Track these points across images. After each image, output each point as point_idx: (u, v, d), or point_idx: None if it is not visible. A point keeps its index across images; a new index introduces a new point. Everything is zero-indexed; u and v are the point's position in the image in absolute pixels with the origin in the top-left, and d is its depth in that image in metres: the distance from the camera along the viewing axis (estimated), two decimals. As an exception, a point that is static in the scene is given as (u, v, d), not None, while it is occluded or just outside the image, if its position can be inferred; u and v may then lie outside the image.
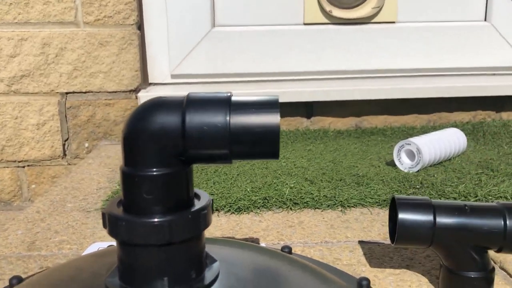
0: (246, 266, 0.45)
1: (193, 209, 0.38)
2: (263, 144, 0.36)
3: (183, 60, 1.34)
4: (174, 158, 0.37)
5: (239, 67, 1.35)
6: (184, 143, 0.36)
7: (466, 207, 0.52)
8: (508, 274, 0.61)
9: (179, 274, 0.38)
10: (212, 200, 0.41)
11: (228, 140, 0.35)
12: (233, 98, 0.37)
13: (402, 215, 0.52)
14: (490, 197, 0.81)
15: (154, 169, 0.36)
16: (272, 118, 0.36)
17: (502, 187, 0.83)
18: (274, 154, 0.36)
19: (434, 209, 0.52)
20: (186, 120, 0.35)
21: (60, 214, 0.83)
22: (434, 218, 0.52)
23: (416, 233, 0.52)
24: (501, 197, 0.81)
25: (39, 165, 1.32)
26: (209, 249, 0.42)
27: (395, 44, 1.37)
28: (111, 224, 0.37)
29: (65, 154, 1.32)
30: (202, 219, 0.38)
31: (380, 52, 1.37)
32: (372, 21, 1.36)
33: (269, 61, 1.36)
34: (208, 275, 0.40)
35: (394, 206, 0.55)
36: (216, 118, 0.36)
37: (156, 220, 0.36)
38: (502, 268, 0.62)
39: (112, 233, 0.37)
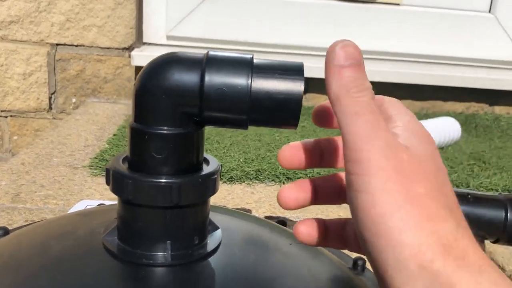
0: (247, 235, 0.44)
1: (203, 173, 0.36)
2: (284, 112, 0.34)
3: (181, 21, 1.30)
4: (188, 118, 0.35)
5: (238, 34, 1.31)
6: (200, 103, 0.34)
7: (469, 196, 0.52)
8: (498, 265, 0.61)
9: (182, 239, 0.36)
10: (221, 165, 0.39)
11: (247, 104, 0.34)
12: (256, 60, 0.35)
13: (404, 198, 0.51)
14: (481, 188, 0.81)
15: (166, 128, 0.34)
16: (296, 86, 0.34)
17: (494, 180, 0.83)
18: (294, 124, 0.35)
19: (437, 195, 0.52)
20: (205, 79, 0.33)
21: (46, 168, 0.80)
22: (436, 204, 0.51)
23: (416, 218, 0.51)
24: (492, 189, 0.81)
25: (23, 117, 1.28)
26: (210, 216, 0.41)
27: (397, 27, 1.35)
28: (116, 181, 0.35)
29: (50, 108, 1.28)
30: (211, 184, 0.36)
31: (381, 34, 1.35)
32: (377, 1, 1.34)
33: (269, 32, 1.33)
34: (211, 242, 0.38)
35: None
36: (237, 80, 0.34)
37: (165, 181, 0.34)
38: (492, 259, 0.63)
39: (117, 191, 0.35)
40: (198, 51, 0.36)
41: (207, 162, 0.39)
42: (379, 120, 0.28)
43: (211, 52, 0.35)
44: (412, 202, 0.25)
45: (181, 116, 0.34)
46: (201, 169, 0.37)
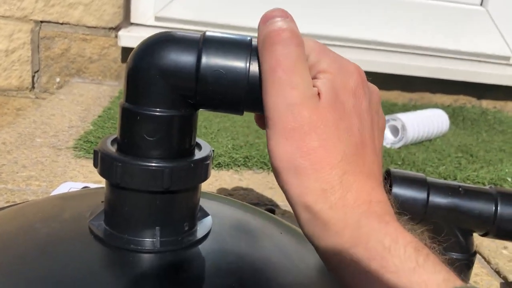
0: (237, 223, 0.43)
1: (195, 158, 0.35)
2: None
3: (171, 2, 1.27)
4: (183, 100, 0.33)
5: (229, 18, 1.29)
6: (196, 85, 0.32)
7: (460, 189, 0.51)
8: (483, 257, 0.62)
9: (172, 225, 0.35)
10: (213, 150, 0.38)
11: (245, 87, 0.32)
12: (254, 43, 0.34)
13: (396, 189, 0.51)
14: (468, 181, 0.81)
15: (159, 109, 0.33)
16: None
17: (481, 173, 0.84)
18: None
19: (428, 187, 0.51)
20: (202, 60, 0.32)
21: (29, 148, 0.78)
22: (428, 196, 0.51)
23: (408, 209, 0.51)
24: (479, 182, 0.82)
25: (4, 95, 1.24)
26: (200, 202, 0.40)
27: (389, 17, 1.34)
28: (105, 164, 0.33)
29: (33, 87, 1.25)
30: (204, 169, 0.35)
31: (372, 23, 1.34)
32: (370, -10, 1.33)
33: (255, 17, 1.31)
34: (201, 229, 0.37)
35: (388, 179, 0.54)
36: (235, 63, 0.32)
37: (156, 165, 0.32)
38: (477, 252, 0.63)
39: (104, 174, 0.34)
40: (187, 34, 0.34)
41: (199, 147, 0.37)
42: (291, 76, 0.30)
43: (208, 33, 0.34)
44: (302, 157, 0.29)
45: (175, 97, 0.33)
46: (193, 153, 0.36)
